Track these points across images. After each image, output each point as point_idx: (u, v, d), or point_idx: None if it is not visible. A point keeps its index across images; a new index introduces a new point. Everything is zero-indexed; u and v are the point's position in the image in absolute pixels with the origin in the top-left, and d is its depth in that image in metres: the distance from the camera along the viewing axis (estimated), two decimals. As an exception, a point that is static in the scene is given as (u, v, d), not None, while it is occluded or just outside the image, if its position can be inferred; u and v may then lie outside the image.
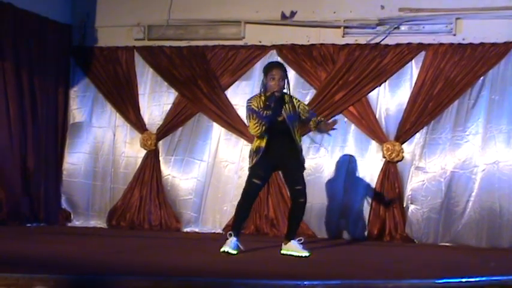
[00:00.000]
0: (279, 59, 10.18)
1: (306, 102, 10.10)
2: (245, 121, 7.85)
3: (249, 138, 9.82)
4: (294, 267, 6.50)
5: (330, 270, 6.46)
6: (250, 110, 7.23)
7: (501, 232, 9.39)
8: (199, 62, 10.67)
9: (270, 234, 9.93)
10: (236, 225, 7.31)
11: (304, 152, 10.04)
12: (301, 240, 7.37)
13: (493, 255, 8.44)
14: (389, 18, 10.03)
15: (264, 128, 7.13)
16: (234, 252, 7.07)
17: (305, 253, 7.19)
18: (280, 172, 7.59)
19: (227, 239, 7.21)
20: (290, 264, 6.71)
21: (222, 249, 7.07)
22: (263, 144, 7.22)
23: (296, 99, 7.50)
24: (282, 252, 7.35)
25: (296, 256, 7.15)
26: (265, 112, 7.12)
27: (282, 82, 7.24)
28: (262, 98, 7.23)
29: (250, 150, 7.40)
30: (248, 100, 7.41)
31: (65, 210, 10.91)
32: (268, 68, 7.32)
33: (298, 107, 7.40)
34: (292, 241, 7.33)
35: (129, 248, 8.05)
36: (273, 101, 7.14)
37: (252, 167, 7.32)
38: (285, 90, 7.39)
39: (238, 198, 7.48)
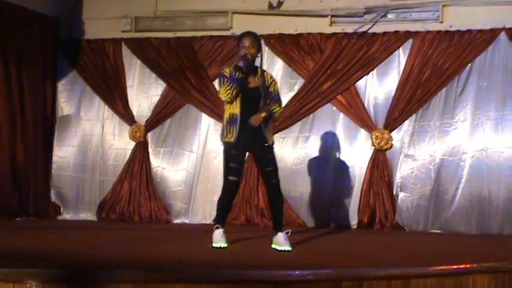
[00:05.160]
0: (267, 49, 10.19)
1: (294, 92, 10.14)
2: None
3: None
4: (284, 257, 6.49)
5: (321, 259, 6.46)
6: (222, 77, 7.05)
7: (490, 218, 9.42)
8: (187, 53, 10.64)
9: (260, 224, 9.92)
10: (221, 218, 7.16)
11: (293, 141, 10.15)
12: (288, 233, 7.02)
13: (482, 242, 8.46)
14: (376, 6, 10.02)
15: (234, 91, 6.93)
16: (226, 245, 6.97)
17: (286, 247, 6.88)
18: (250, 153, 7.30)
19: (213, 232, 7.06)
20: (281, 255, 6.69)
21: (214, 245, 6.94)
22: (237, 111, 7.00)
23: (270, 76, 7.26)
24: (273, 247, 7.01)
25: (279, 250, 6.88)
26: (237, 74, 6.95)
27: (252, 49, 7.03)
28: (233, 66, 7.07)
29: (224, 122, 7.09)
30: (222, 69, 7.26)
31: (55, 203, 10.89)
32: (240, 37, 7.18)
33: (270, 84, 7.16)
34: (279, 234, 7.00)
35: (119, 240, 8.03)
36: (244, 63, 6.96)
37: (228, 149, 7.05)
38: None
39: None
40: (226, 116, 7.08)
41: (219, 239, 6.99)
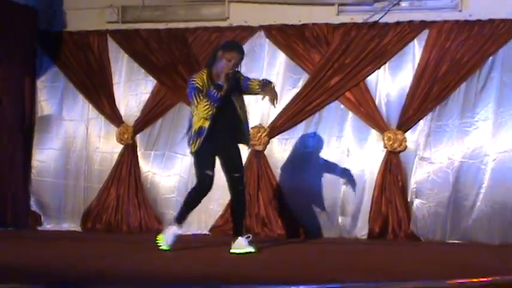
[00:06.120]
0: (268, 41, 10.23)
1: (298, 89, 10.18)
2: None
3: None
4: (288, 270, 6.52)
5: (328, 272, 6.49)
6: (195, 89, 7.45)
7: (514, 227, 9.46)
8: (179, 46, 10.68)
9: (261, 234, 9.93)
10: (183, 215, 7.61)
11: (297, 140, 10.16)
12: (249, 237, 7.61)
13: (505, 253, 8.49)
14: (388, -7, 10.07)
15: (214, 110, 7.38)
16: (167, 248, 7.45)
17: (250, 249, 7.48)
18: (219, 158, 7.73)
19: (170, 226, 7.60)
20: (284, 267, 6.73)
21: (158, 243, 7.52)
22: (206, 124, 7.44)
23: (241, 74, 7.68)
24: (231, 251, 7.54)
25: (243, 253, 7.42)
26: (219, 93, 7.36)
27: (235, 67, 7.52)
28: (205, 74, 7.50)
29: (192, 131, 7.58)
30: (191, 77, 7.63)
31: (35, 212, 10.92)
32: (229, 48, 7.57)
33: (248, 81, 7.64)
34: (239, 238, 7.57)
35: (106, 252, 8.07)
36: (227, 82, 7.40)
37: (198, 155, 7.55)
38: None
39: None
40: (195, 127, 7.51)
41: (167, 238, 7.58)
